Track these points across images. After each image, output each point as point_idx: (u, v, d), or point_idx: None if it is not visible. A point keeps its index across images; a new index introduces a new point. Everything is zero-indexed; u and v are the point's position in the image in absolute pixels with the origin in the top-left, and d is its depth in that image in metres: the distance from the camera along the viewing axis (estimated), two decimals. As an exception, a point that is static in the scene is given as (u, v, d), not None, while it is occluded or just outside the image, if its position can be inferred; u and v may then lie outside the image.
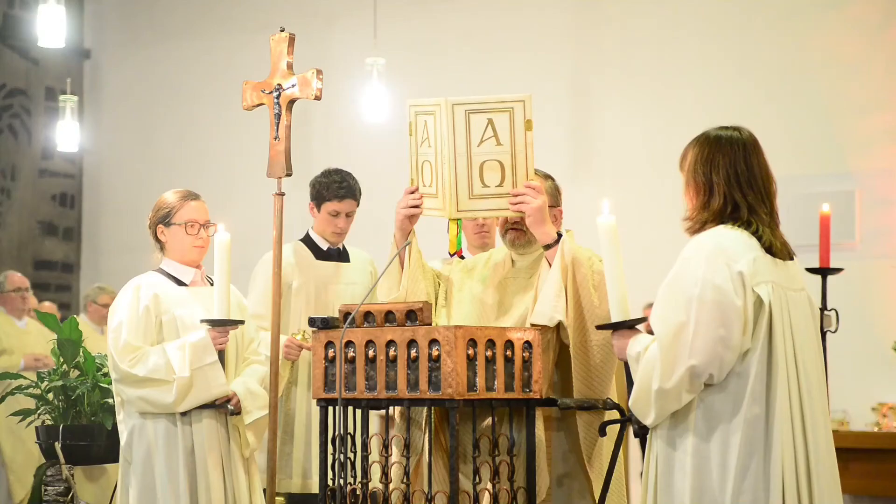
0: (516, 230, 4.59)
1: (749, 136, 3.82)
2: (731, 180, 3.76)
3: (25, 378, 5.78)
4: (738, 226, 3.74)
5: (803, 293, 3.81)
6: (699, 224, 3.80)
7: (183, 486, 4.95)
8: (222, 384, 4.98)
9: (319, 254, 6.10)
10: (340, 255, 6.15)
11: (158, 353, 4.96)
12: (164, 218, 5.14)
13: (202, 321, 4.96)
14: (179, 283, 5.14)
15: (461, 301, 4.63)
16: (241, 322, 5.06)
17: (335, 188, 5.98)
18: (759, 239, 3.73)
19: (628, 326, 3.86)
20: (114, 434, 5.28)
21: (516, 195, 4.31)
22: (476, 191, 4.33)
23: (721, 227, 3.75)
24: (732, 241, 3.71)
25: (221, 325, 4.92)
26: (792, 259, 3.83)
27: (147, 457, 4.99)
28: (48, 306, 10.60)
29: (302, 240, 6.15)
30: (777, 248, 3.76)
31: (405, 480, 4.22)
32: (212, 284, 5.14)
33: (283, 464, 5.93)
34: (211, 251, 5.03)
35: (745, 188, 3.76)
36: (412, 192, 4.49)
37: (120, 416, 5.08)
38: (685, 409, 3.68)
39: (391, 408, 4.34)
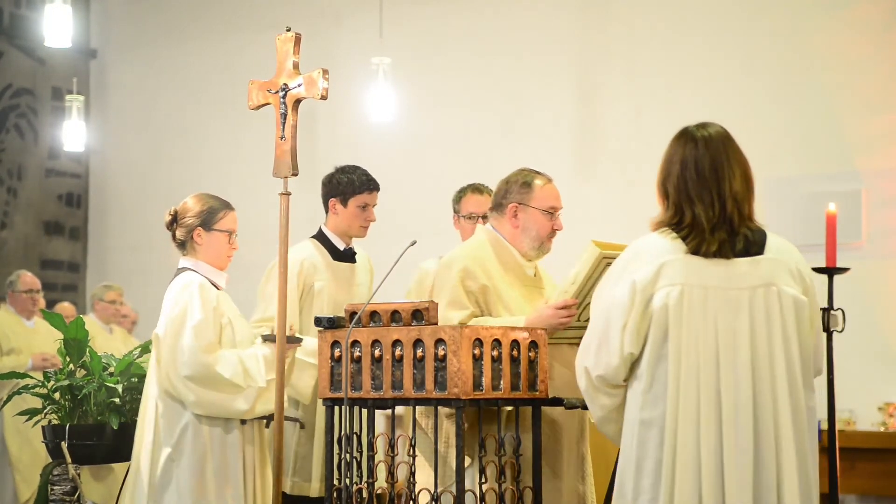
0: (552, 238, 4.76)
1: (707, 134, 3.87)
2: (679, 184, 3.83)
3: (32, 377, 5.78)
4: (671, 229, 3.78)
5: (758, 290, 3.71)
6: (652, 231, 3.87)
7: (238, 487, 4.97)
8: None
9: (336, 254, 5.99)
10: (352, 256, 6.05)
11: (235, 358, 4.97)
12: (206, 222, 5.12)
13: (263, 337, 5.07)
14: (215, 286, 5.15)
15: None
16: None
17: (364, 181, 5.95)
18: (687, 241, 3.73)
19: None
20: (120, 434, 5.28)
21: None
22: None
23: (654, 233, 3.82)
24: (648, 247, 3.78)
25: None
26: (748, 256, 3.75)
27: (201, 458, 4.95)
28: (67, 306, 10.59)
29: (316, 238, 6.04)
30: (714, 249, 3.72)
31: (412, 479, 4.23)
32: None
33: (300, 466, 5.80)
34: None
35: (692, 190, 3.81)
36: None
37: (159, 411, 5.00)
38: (623, 408, 3.82)
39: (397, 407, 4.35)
